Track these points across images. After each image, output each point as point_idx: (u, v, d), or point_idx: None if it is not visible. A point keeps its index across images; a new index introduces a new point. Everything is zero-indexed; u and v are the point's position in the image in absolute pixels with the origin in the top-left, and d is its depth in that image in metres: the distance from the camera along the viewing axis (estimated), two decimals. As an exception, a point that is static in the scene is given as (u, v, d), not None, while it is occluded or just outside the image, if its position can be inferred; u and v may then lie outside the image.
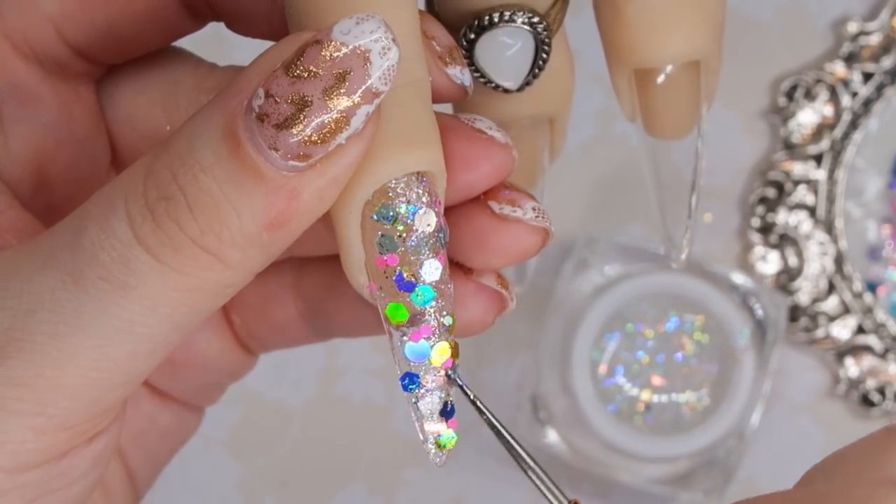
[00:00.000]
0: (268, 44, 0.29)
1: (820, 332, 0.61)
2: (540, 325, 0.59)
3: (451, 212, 0.27)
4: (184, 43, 0.31)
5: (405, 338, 0.25)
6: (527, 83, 0.29)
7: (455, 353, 0.26)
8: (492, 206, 0.27)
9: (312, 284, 0.32)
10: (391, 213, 0.25)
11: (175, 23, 0.30)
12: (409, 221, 0.25)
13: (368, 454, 0.62)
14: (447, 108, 0.29)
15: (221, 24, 0.30)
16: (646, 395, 0.58)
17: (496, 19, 0.28)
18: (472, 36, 0.29)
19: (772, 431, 0.60)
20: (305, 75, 0.23)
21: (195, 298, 0.24)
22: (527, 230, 0.27)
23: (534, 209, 0.27)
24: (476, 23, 0.28)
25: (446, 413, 0.26)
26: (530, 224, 0.27)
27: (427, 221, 0.25)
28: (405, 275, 0.25)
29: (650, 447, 0.57)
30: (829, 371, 0.61)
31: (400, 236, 0.25)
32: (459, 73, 0.27)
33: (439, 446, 0.26)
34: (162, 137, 0.30)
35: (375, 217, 0.25)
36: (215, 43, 0.36)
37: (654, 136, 0.30)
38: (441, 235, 0.25)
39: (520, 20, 0.28)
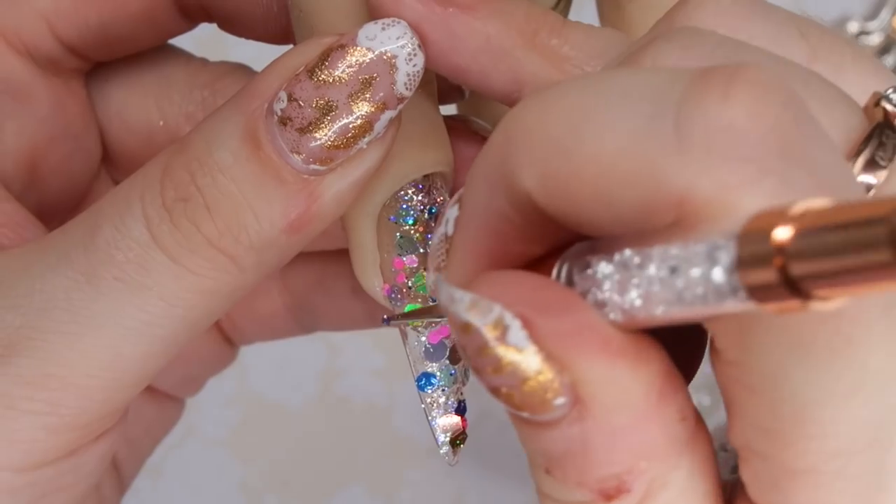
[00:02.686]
0: (264, 44, 0.30)
1: (820, 332, 0.60)
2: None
3: None
4: (183, 43, 0.31)
5: (423, 338, 0.25)
6: (531, 83, 0.29)
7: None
8: None
9: (300, 279, 0.32)
10: (411, 215, 0.24)
11: (167, 23, 0.29)
12: (428, 222, 0.25)
13: (368, 454, 0.62)
14: (451, 109, 0.29)
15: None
16: (646, 395, 0.58)
17: (500, 19, 0.28)
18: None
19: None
20: (330, 80, 0.22)
21: (209, 300, 0.24)
22: None
23: None
24: (481, 22, 0.28)
25: (460, 411, 0.26)
26: None
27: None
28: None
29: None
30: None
31: (420, 237, 0.25)
32: None
33: (453, 445, 0.26)
34: (154, 132, 0.30)
35: (394, 219, 0.24)
36: (214, 43, 0.36)
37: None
38: None
39: (524, 20, 0.28)
